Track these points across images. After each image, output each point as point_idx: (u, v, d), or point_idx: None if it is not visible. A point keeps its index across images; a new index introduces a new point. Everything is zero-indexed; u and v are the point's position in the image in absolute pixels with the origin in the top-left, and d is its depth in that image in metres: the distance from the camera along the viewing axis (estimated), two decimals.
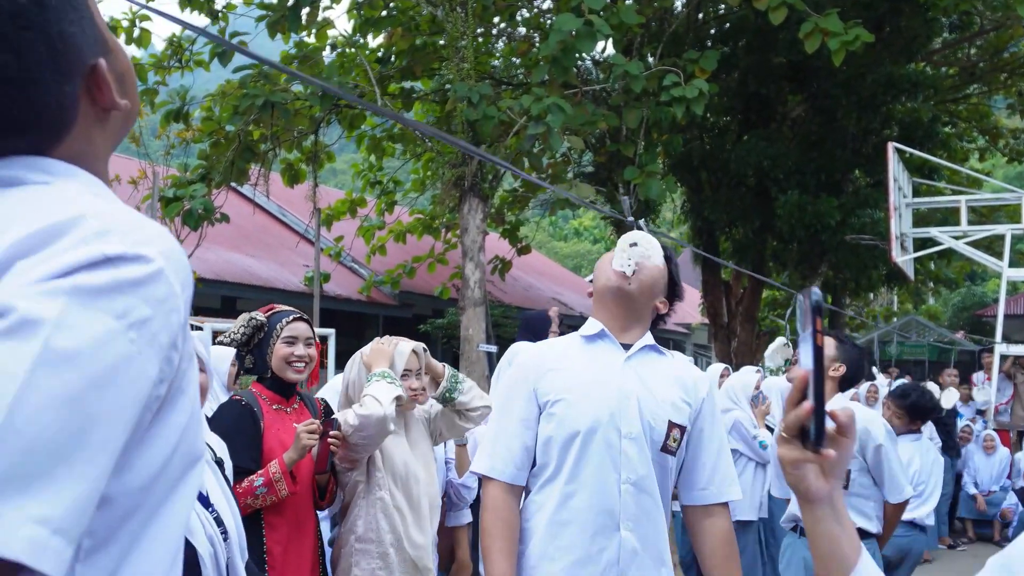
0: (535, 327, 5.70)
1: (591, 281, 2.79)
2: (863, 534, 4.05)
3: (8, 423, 0.72)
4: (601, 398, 2.55)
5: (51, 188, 0.95)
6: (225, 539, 2.39)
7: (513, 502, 2.58)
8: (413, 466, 3.45)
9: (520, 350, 5.09)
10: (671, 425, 2.57)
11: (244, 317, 3.42)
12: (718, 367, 7.87)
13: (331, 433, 3.33)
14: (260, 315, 3.44)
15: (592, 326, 2.71)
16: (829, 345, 4.21)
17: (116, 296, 0.82)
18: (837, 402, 4.09)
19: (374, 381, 3.34)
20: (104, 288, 0.81)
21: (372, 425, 3.20)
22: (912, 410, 5.79)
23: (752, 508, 6.38)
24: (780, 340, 7.39)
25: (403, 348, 3.56)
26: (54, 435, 0.74)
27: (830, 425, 1.25)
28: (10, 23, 0.92)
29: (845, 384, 4.23)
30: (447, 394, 3.59)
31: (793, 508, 4.31)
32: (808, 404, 1.22)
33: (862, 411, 4.26)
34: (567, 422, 2.52)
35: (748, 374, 6.84)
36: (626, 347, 2.67)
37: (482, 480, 2.63)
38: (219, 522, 2.45)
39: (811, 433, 1.23)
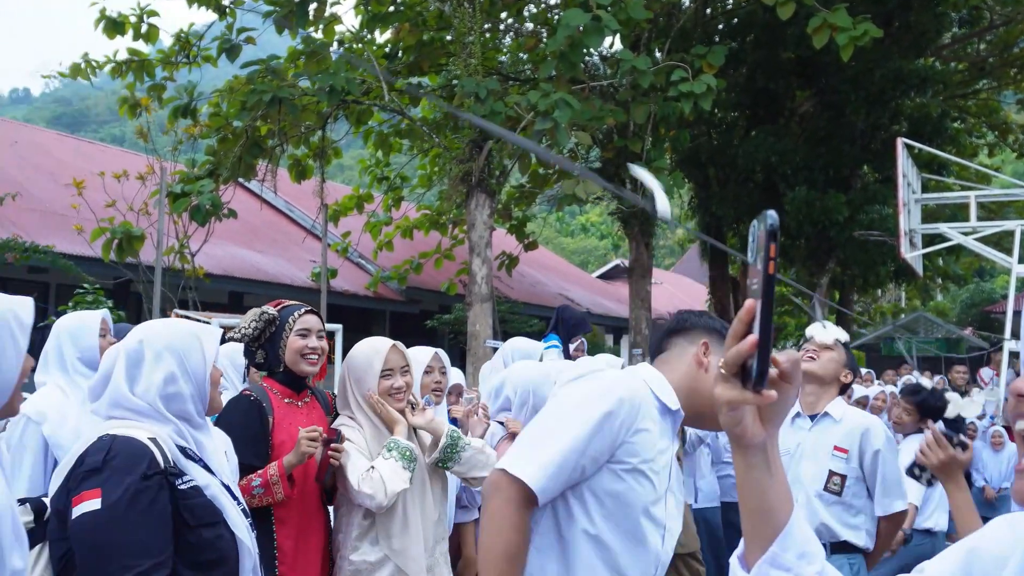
0: (569, 326, 5.63)
1: (705, 351, 2.32)
2: (847, 547, 3.76)
3: None
4: (662, 485, 2.28)
5: None
6: None
7: None
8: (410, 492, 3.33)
9: (515, 346, 5.06)
10: None
11: (255, 312, 3.39)
12: None
13: (332, 446, 3.27)
14: (271, 309, 3.43)
15: (673, 398, 2.31)
16: (838, 349, 3.95)
17: None
18: (839, 406, 3.91)
19: (391, 456, 3.21)
20: None
21: (367, 502, 3.21)
22: (922, 408, 5.71)
23: None
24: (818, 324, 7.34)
25: (421, 358, 3.50)
26: None
27: (773, 370, 1.15)
28: None
29: (842, 391, 3.98)
30: (442, 461, 3.37)
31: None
32: (752, 338, 1.11)
33: (862, 414, 3.93)
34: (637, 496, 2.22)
35: None
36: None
37: (514, 485, 2.14)
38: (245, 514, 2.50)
39: (753, 372, 1.12)
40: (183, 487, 2.26)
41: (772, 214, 1.13)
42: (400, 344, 3.50)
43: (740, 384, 1.15)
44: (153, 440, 2.27)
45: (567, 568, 2.20)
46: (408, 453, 3.22)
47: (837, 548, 3.77)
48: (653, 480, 2.21)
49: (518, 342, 5.11)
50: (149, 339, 2.42)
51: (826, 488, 3.81)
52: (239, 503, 2.47)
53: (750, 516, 1.21)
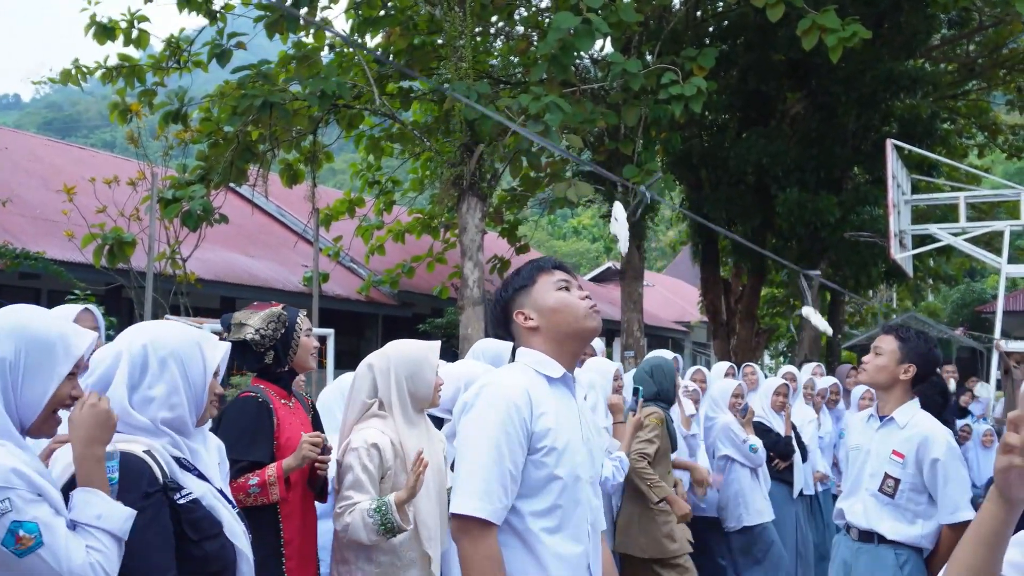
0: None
1: (524, 318, 2.59)
2: (897, 543, 3.81)
3: None
4: (576, 447, 2.52)
5: None
6: None
7: None
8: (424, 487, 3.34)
9: (484, 347, 5.02)
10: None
11: (267, 314, 3.44)
12: (723, 365, 7.87)
13: (318, 458, 3.29)
14: (279, 309, 3.50)
15: (552, 366, 2.56)
16: (889, 343, 3.94)
17: None
18: (908, 411, 3.89)
19: (375, 515, 3.18)
20: None
21: (337, 524, 3.25)
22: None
23: (766, 508, 6.36)
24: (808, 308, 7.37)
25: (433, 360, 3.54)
26: None
27: None
28: None
29: (918, 382, 3.91)
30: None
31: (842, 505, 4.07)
32: None
33: (928, 423, 3.85)
34: (560, 468, 2.47)
35: (726, 381, 6.88)
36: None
37: (469, 523, 2.35)
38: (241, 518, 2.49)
39: None
40: (182, 502, 2.21)
41: None
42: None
43: None
44: (149, 453, 2.22)
45: (530, 553, 2.41)
46: (388, 526, 3.18)
47: (885, 541, 3.85)
48: (562, 447, 2.43)
49: (487, 343, 5.10)
50: (154, 345, 2.34)
51: (881, 489, 3.88)
52: (233, 506, 2.45)
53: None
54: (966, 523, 3.60)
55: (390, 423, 3.39)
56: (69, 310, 3.69)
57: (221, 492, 2.42)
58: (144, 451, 2.21)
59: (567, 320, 2.56)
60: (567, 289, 2.60)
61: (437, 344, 3.54)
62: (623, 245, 2.65)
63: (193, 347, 2.40)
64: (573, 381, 2.62)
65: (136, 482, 2.13)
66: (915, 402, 3.91)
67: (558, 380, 2.54)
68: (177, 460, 2.30)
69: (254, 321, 3.42)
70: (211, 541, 2.25)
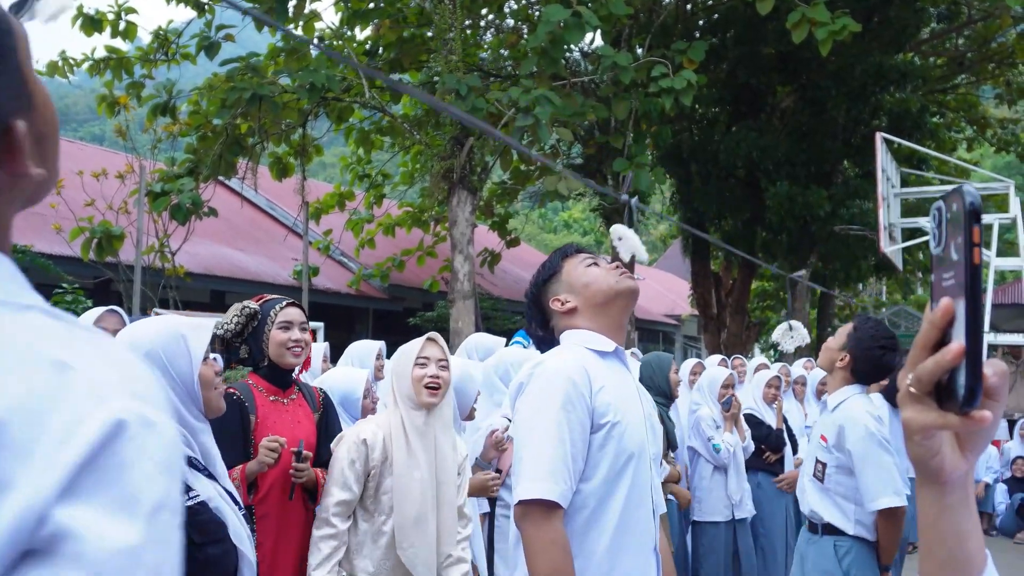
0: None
1: (561, 303, 2.54)
2: (835, 530, 3.80)
3: None
4: (638, 421, 2.45)
5: None
6: None
7: None
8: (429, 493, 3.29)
9: (477, 342, 5.01)
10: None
11: (236, 307, 3.39)
12: (715, 358, 7.86)
13: (294, 465, 3.23)
14: (252, 304, 3.43)
15: (602, 341, 2.48)
16: (843, 330, 3.95)
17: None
18: (839, 396, 3.88)
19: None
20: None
21: (327, 530, 3.23)
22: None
23: (719, 509, 6.33)
24: (785, 324, 7.29)
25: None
26: None
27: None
28: None
29: (863, 374, 3.88)
30: None
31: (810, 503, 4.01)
32: (958, 346, 0.86)
33: (854, 407, 3.81)
34: (625, 443, 2.38)
35: (718, 370, 6.77)
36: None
37: (533, 508, 2.27)
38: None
39: (959, 388, 0.87)
40: (190, 503, 2.17)
41: (971, 190, 0.87)
42: (438, 336, 3.50)
43: (936, 405, 0.90)
44: None
45: (599, 533, 2.33)
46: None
47: (827, 529, 3.84)
48: (625, 421, 2.36)
49: (480, 337, 5.07)
50: (131, 346, 2.30)
51: (814, 474, 3.91)
52: (240, 508, 2.41)
53: (941, 566, 0.96)
54: (894, 510, 3.68)
55: (391, 419, 3.35)
56: (93, 314, 3.64)
57: (228, 492, 2.37)
58: None
59: (603, 289, 2.50)
60: (596, 265, 2.56)
61: (420, 340, 3.46)
62: (641, 255, 2.65)
63: (175, 341, 2.36)
64: (625, 355, 2.55)
65: None
66: (850, 388, 3.88)
67: (611, 354, 2.47)
68: (188, 459, 2.26)
69: (226, 315, 3.40)
70: (215, 545, 2.21)
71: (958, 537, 0.94)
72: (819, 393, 7.92)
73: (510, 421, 4.03)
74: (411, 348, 3.41)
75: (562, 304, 2.52)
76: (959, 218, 0.88)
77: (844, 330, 3.96)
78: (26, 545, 0.68)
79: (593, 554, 2.32)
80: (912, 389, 0.91)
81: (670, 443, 5.53)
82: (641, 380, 5.53)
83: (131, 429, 0.73)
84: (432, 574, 3.25)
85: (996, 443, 11.43)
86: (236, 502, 2.40)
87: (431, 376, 3.32)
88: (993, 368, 0.90)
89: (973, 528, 0.95)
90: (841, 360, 3.87)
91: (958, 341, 0.87)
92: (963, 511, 0.94)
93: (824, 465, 3.86)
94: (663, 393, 5.58)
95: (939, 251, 0.92)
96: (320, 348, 5.48)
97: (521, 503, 2.28)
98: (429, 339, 3.44)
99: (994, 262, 12.95)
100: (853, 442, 3.74)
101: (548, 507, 2.25)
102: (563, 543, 2.25)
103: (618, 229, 2.77)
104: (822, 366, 4.07)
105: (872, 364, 3.85)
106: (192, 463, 2.26)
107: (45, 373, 0.73)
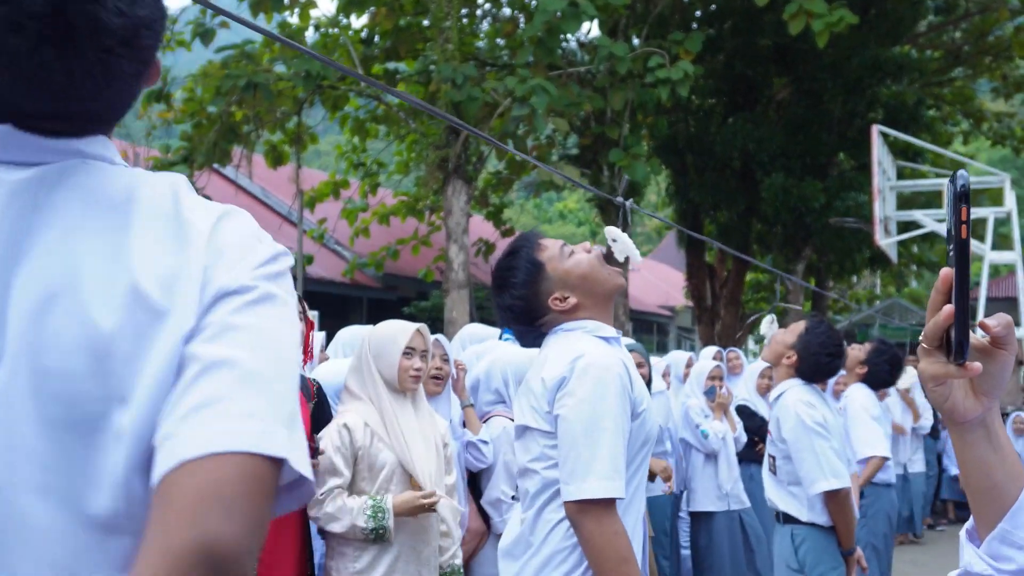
0: None
1: (560, 300, 2.49)
2: (790, 519, 3.95)
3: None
4: (651, 405, 2.52)
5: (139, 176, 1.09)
6: None
7: None
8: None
9: (471, 332, 4.99)
10: None
11: None
12: (711, 350, 7.87)
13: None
14: None
15: (606, 328, 2.50)
16: (796, 327, 4.10)
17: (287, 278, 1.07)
18: (779, 388, 4.05)
19: (367, 509, 3.18)
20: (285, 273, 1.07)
21: (318, 514, 3.24)
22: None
23: (712, 499, 6.33)
24: (770, 316, 7.31)
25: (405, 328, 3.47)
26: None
27: (980, 336, 1.09)
28: (148, 33, 1.06)
29: (808, 372, 4.01)
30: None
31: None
32: (949, 308, 1.06)
33: (792, 400, 3.93)
34: (647, 430, 2.44)
35: (705, 362, 6.82)
36: None
37: (595, 504, 2.27)
38: None
39: (952, 343, 1.06)
40: None
41: (963, 174, 1.07)
42: (426, 329, 3.50)
43: (944, 358, 1.09)
44: None
45: (628, 517, 2.36)
46: (380, 530, 3.16)
47: (786, 519, 4.01)
48: (648, 407, 2.43)
49: (474, 328, 5.05)
50: None
51: (769, 467, 4.09)
52: None
53: (975, 495, 1.14)
54: (835, 492, 3.79)
55: (371, 406, 3.36)
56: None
57: None
58: None
59: (603, 284, 2.50)
60: (571, 252, 2.52)
61: (411, 326, 3.46)
62: (636, 257, 2.64)
63: None
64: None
65: None
66: (790, 381, 4.03)
67: (615, 339, 2.50)
68: None
69: None
70: None
71: (982, 469, 1.11)
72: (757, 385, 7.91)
73: (512, 420, 4.03)
74: (398, 336, 3.40)
75: (563, 301, 2.48)
76: (951, 199, 1.07)
77: (796, 328, 4.11)
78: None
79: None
80: (925, 345, 1.10)
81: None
82: None
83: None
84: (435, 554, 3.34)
85: None
86: None
87: (416, 368, 3.37)
88: (998, 320, 1.08)
89: (999, 462, 1.11)
90: (788, 358, 4.03)
91: (950, 304, 1.06)
92: (985, 446, 1.11)
93: (774, 458, 4.03)
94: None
95: (949, 227, 1.09)
96: (318, 339, 5.46)
97: (577, 503, 2.27)
98: (419, 331, 3.46)
99: (989, 256, 12.97)
100: (787, 431, 3.90)
101: (606, 502, 2.27)
102: (624, 532, 2.28)
103: (611, 231, 2.74)
104: (767, 359, 4.30)
105: (817, 369, 4.01)
106: None
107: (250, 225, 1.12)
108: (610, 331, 2.49)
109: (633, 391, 2.37)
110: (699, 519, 6.33)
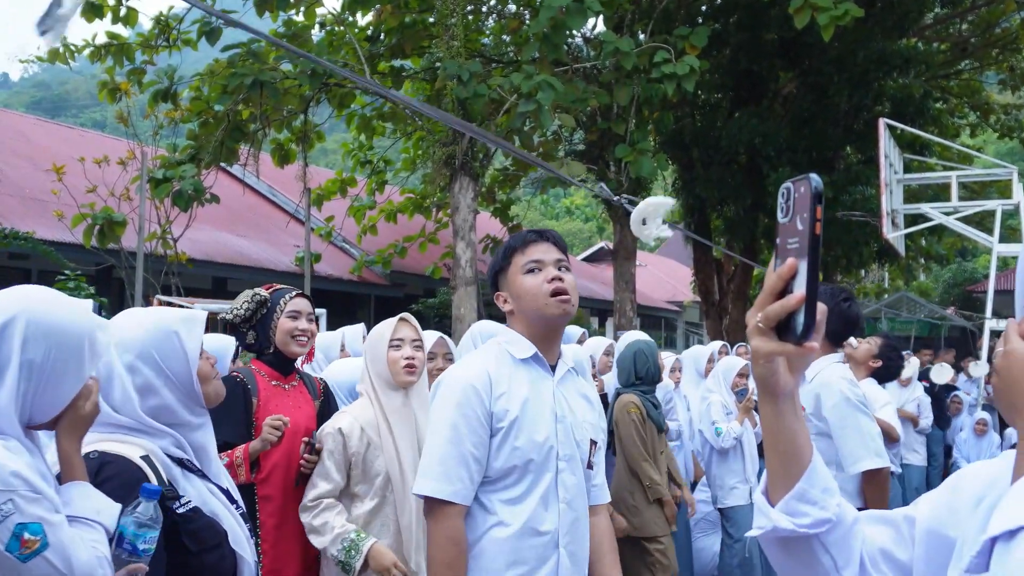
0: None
1: (503, 300, 2.67)
2: None
3: None
4: (543, 423, 2.56)
5: None
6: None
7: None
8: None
9: (483, 329, 5.01)
10: (591, 443, 2.69)
11: (248, 293, 3.45)
12: (715, 344, 7.87)
13: (305, 457, 3.27)
14: (263, 291, 3.47)
15: (521, 345, 2.62)
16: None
17: None
18: (817, 366, 3.88)
19: (344, 542, 3.16)
20: None
21: (307, 530, 3.24)
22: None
23: (728, 494, 6.34)
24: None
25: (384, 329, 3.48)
26: None
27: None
28: None
29: (833, 338, 3.91)
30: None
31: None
32: (800, 294, 1.18)
33: (830, 375, 3.81)
34: (522, 447, 2.51)
35: (733, 358, 6.81)
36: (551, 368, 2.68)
37: (434, 504, 2.46)
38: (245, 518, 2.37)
39: (798, 325, 1.20)
40: (182, 511, 2.05)
41: (815, 177, 1.18)
42: (411, 317, 3.51)
43: (777, 337, 1.24)
44: (146, 459, 2.06)
45: (492, 528, 2.49)
46: (346, 566, 3.15)
47: None
48: (533, 426, 2.51)
49: (486, 324, 5.06)
50: (120, 348, 2.14)
51: None
52: (238, 507, 2.32)
53: (780, 458, 1.32)
54: (876, 472, 3.68)
55: (371, 406, 3.37)
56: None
57: (227, 492, 2.29)
58: (142, 456, 2.07)
59: (531, 306, 2.59)
60: (537, 270, 2.59)
61: (394, 319, 3.46)
62: (665, 231, 2.68)
63: (167, 338, 2.19)
64: (546, 362, 2.65)
65: (129, 493, 1.94)
66: (827, 358, 3.88)
67: (530, 360, 2.60)
68: (179, 461, 2.16)
69: (237, 300, 3.44)
70: (211, 552, 2.11)
71: (790, 434, 1.30)
72: None
73: None
74: (383, 330, 3.43)
75: (504, 302, 2.68)
76: (806, 198, 1.18)
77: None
78: None
79: (483, 549, 2.49)
80: (760, 324, 1.24)
81: (658, 426, 5.45)
82: (624, 365, 5.49)
83: None
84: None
85: (982, 429, 11.36)
86: (233, 501, 2.31)
87: (407, 357, 3.36)
88: (819, 310, 1.21)
89: (800, 428, 1.31)
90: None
91: (800, 291, 1.19)
92: (792, 415, 1.30)
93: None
94: (651, 379, 5.49)
95: (785, 221, 1.22)
96: (336, 337, 5.49)
97: (424, 499, 2.49)
98: (402, 319, 3.47)
99: (996, 248, 12.93)
100: (829, 408, 3.76)
101: (446, 504, 2.43)
102: (457, 539, 2.43)
103: (635, 227, 2.76)
104: None
105: (842, 318, 3.86)
106: (184, 464, 2.17)
107: None
108: (523, 351, 2.61)
109: (493, 405, 2.49)
110: (726, 513, 6.37)
